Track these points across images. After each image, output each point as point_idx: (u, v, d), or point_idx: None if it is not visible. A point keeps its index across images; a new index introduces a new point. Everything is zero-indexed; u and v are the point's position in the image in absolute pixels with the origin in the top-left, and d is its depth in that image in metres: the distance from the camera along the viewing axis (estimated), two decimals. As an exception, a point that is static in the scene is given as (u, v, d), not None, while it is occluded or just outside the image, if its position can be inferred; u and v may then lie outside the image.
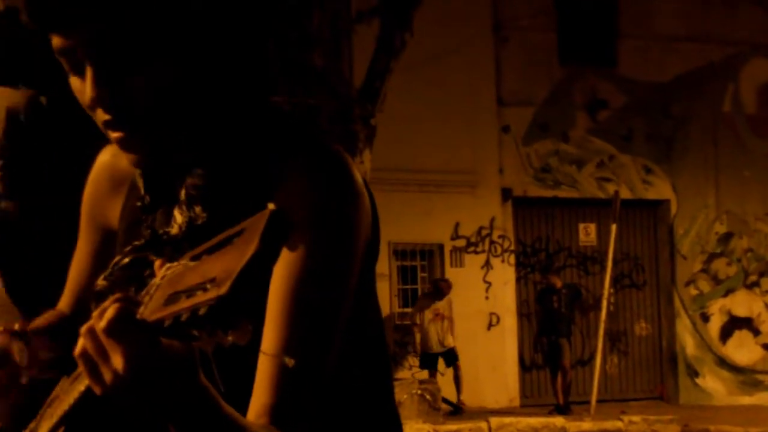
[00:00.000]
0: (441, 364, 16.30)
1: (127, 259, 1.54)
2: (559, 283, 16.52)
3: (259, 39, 1.55)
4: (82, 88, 1.47)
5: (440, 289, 16.36)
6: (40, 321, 1.76)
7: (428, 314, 16.17)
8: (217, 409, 1.29)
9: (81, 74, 1.47)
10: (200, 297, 1.13)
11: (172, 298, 1.18)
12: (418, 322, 16.30)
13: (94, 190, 1.77)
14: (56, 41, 1.45)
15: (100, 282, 1.54)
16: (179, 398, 1.25)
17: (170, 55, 1.45)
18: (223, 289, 1.11)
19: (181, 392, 1.25)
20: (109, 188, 1.74)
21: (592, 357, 16.60)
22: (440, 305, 16.17)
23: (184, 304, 1.15)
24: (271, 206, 1.16)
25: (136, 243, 1.55)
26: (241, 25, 1.53)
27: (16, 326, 1.63)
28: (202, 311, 1.12)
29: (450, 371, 16.27)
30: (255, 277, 1.12)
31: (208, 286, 1.13)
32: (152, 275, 1.25)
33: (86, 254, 1.79)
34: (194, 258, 1.22)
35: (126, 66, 1.44)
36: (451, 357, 16.24)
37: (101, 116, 1.47)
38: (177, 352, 1.22)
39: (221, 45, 1.50)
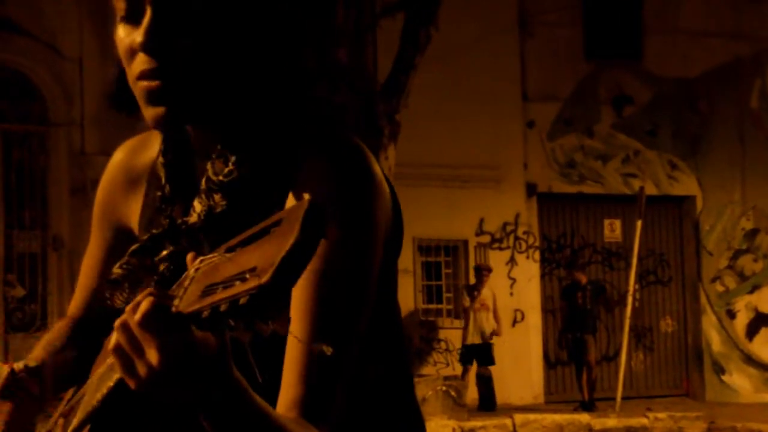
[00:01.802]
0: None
1: (143, 248, 1.53)
2: (584, 279, 16.47)
3: (299, 36, 1.56)
4: (129, 35, 1.50)
5: (480, 273, 16.30)
6: (53, 336, 1.75)
7: (475, 304, 16.11)
8: (248, 402, 1.29)
9: (133, 22, 1.49)
10: (240, 287, 1.13)
11: (209, 290, 1.17)
12: (467, 305, 16.23)
13: (109, 189, 1.77)
14: None
15: (116, 270, 1.54)
16: (211, 391, 1.25)
17: (222, 27, 1.48)
18: (265, 278, 1.10)
19: (214, 385, 1.25)
20: (124, 186, 1.75)
21: (618, 353, 16.57)
22: (484, 294, 16.11)
23: (223, 294, 1.14)
24: (307, 197, 1.15)
25: (154, 231, 1.55)
26: (288, 20, 1.55)
27: (32, 363, 1.63)
28: (242, 301, 1.12)
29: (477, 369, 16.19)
30: (296, 266, 1.11)
31: (248, 276, 1.13)
32: (168, 264, 1.24)
33: (99, 254, 1.79)
34: (229, 250, 1.21)
35: (182, 21, 1.47)
36: (486, 355, 16.11)
37: (141, 63, 1.49)
38: (210, 345, 1.22)
39: (267, 34, 1.52)
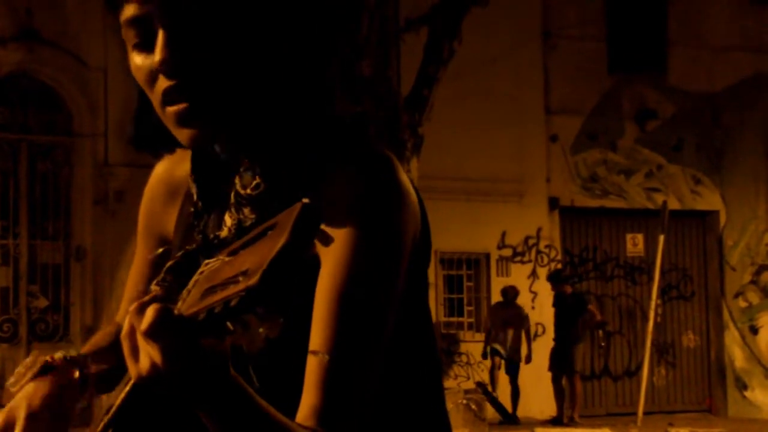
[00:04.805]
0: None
1: (178, 265, 1.54)
2: (568, 290, 16.39)
3: (325, 47, 1.56)
4: (143, 64, 1.50)
5: (507, 296, 16.31)
6: (98, 338, 1.77)
7: (498, 323, 16.15)
8: (250, 404, 1.30)
9: (146, 49, 1.49)
10: (232, 289, 1.15)
11: (208, 292, 1.20)
12: (490, 327, 16.27)
13: (151, 201, 1.78)
14: (130, 10, 1.48)
15: (153, 287, 1.55)
16: (211, 392, 1.27)
17: (239, 39, 1.47)
18: (253, 280, 1.12)
19: (213, 386, 1.27)
20: (165, 199, 1.75)
21: (639, 368, 16.50)
22: (510, 315, 16.14)
23: (217, 296, 1.17)
24: (305, 200, 1.17)
25: (188, 248, 1.56)
26: (311, 32, 1.55)
27: (74, 352, 1.64)
28: (233, 302, 1.15)
29: (506, 380, 16.23)
30: (287, 268, 1.13)
31: (241, 278, 1.15)
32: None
33: (143, 266, 1.80)
34: (231, 253, 1.24)
35: (198, 36, 1.46)
36: (513, 367, 16.19)
37: (163, 85, 1.48)
38: (211, 347, 1.24)
39: (289, 44, 1.52)
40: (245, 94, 1.50)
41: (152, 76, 1.49)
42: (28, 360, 1.63)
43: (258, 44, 1.49)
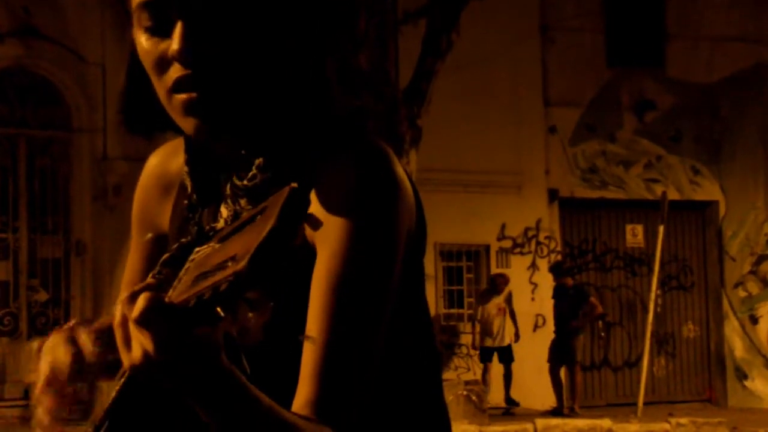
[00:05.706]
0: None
1: (173, 257, 1.55)
2: (569, 282, 16.41)
3: (326, 43, 1.57)
4: (154, 49, 1.49)
5: (496, 284, 16.36)
6: (100, 325, 1.77)
7: (491, 309, 16.18)
8: (241, 391, 1.30)
9: (157, 34, 1.48)
10: (221, 274, 1.15)
11: (198, 279, 1.20)
12: (479, 317, 16.31)
13: (144, 195, 1.78)
14: None
15: (150, 280, 1.55)
16: (203, 380, 1.27)
17: (251, 34, 1.48)
18: (241, 265, 1.13)
19: (205, 374, 1.27)
20: (158, 192, 1.75)
21: (639, 359, 16.51)
22: (500, 300, 16.18)
23: (207, 282, 1.17)
24: (293, 184, 1.17)
25: (183, 240, 1.56)
26: (313, 26, 1.56)
27: (73, 321, 1.64)
28: (222, 288, 1.15)
29: (500, 369, 16.26)
30: (274, 252, 1.14)
31: (229, 263, 1.15)
32: None
33: (139, 260, 1.79)
34: (222, 239, 1.25)
35: (214, 29, 1.46)
36: (506, 355, 16.25)
37: (175, 73, 1.48)
38: (202, 335, 1.24)
39: (292, 39, 1.53)
40: (252, 89, 1.50)
41: (162, 63, 1.48)
42: (35, 345, 1.63)
43: (265, 40, 1.49)
